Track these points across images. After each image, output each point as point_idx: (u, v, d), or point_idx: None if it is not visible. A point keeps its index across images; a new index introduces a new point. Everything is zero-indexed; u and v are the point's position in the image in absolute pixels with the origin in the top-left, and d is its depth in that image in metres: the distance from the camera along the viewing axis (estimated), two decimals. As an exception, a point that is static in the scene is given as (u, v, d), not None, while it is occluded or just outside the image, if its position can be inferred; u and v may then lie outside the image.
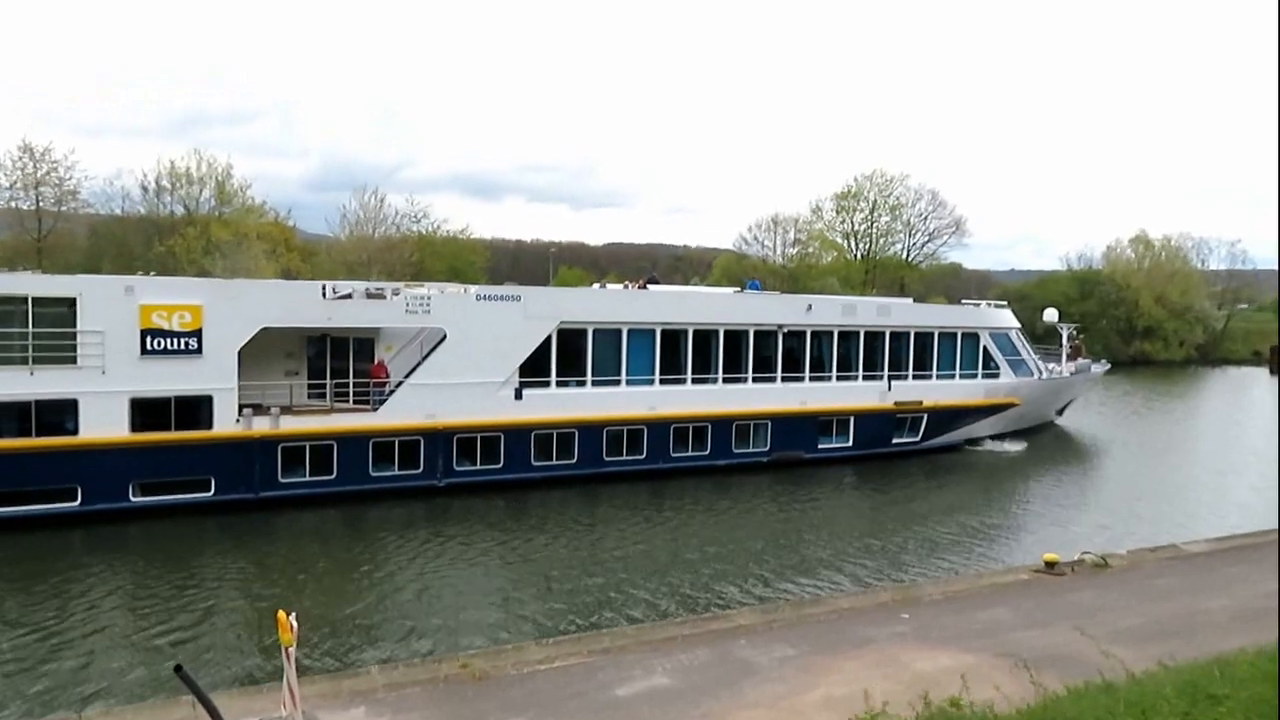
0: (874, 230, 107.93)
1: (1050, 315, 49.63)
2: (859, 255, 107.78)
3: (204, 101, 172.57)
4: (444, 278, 72.53)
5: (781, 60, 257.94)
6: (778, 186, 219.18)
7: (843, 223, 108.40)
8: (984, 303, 45.64)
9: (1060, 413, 48.64)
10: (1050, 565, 20.61)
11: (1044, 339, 54.65)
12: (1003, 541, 27.96)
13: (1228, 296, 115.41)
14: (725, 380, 35.64)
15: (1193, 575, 20.16)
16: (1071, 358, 47.99)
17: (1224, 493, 35.23)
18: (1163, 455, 43.90)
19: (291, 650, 10.76)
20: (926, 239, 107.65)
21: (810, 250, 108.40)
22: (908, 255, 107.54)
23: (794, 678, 14.00)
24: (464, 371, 31.07)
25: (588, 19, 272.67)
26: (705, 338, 35.31)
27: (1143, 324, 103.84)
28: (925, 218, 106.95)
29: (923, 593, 19.11)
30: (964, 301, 50.35)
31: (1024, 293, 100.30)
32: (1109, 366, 56.89)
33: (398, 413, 30.41)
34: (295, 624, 10.75)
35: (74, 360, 26.79)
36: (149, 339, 27.39)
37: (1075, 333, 50.73)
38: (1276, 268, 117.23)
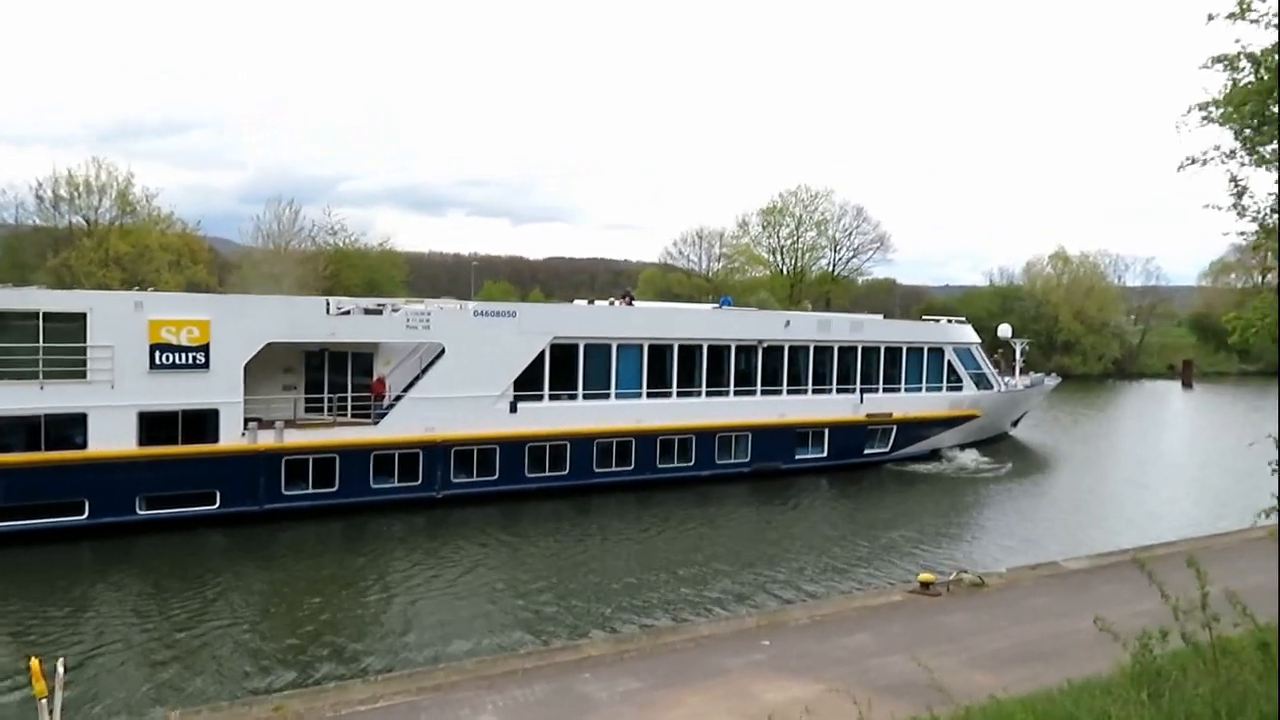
0: (799, 245, 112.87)
1: (1004, 331, 54.11)
2: (785, 270, 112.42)
3: (135, 111, 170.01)
4: (360, 291, 73.92)
5: (732, 74, 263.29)
6: (720, 200, 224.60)
7: (769, 238, 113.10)
8: (944, 319, 49.67)
9: (1015, 424, 53.03)
10: (925, 585, 20.90)
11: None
12: (933, 554, 29.18)
13: (1143, 312, 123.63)
14: (708, 394, 38.66)
15: (1068, 594, 20.55)
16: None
17: (1142, 505, 38.09)
18: (1087, 468, 46.97)
19: (46, 701, 10.26)
20: (852, 254, 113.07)
21: (736, 265, 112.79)
22: (833, 270, 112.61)
23: (631, 714, 13.94)
24: (461, 386, 33.30)
25: (533, 35, 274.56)
26: (689, 353, 38.27)
27: (1062, 338, 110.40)
28: (850, 233, 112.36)
29: (789, 617, 19.31)
30: (924, 317, 54.43)
31: (948, 308, 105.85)
32: (1060, 380, 61.70)
33: (397, 426, 32.46)
34: (62, 670, 10.41)
35: (84, 375, 28.21)
36: (158, 353, 28.95)
37: (1027, 347, 55.32)
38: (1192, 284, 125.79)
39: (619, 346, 36.61)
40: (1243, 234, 12.67)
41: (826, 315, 46.40)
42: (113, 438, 28.44)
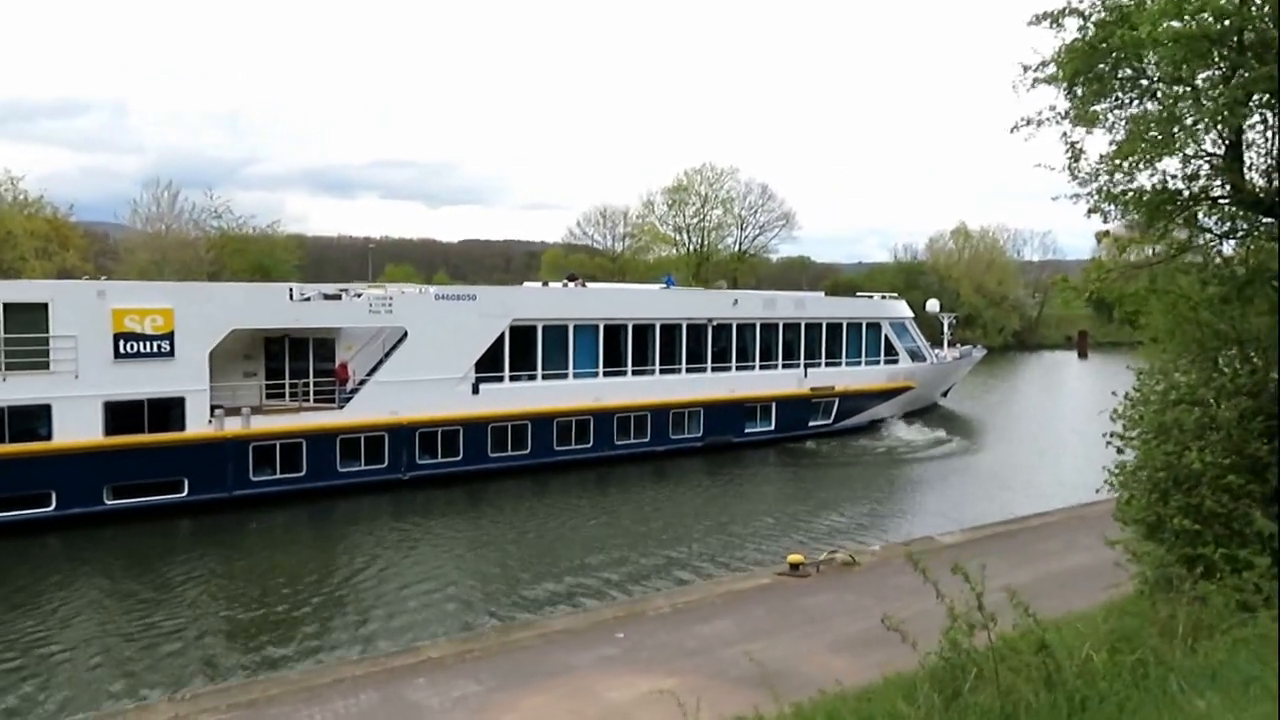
0: (705, 224, 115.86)
1: (932, 306, 57.82)
2: (691, 249, 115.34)
3: (27, 91, 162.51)
4: (248, 276, 73.74)
5: (647, 50, 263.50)
6: (632, 178, 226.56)
7: (675, 216, 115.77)
8: (877, 295, 53.05)
9: (945, 395, 56.78)
10: (795, 567, 20.99)
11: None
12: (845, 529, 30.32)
13: (1041, 285, 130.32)
14: (661, 371, 40.91)
15: (937, 570, 20.90)
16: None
17: (1050, 472, 39.94)
18: (1001, 437, 49.46)
19: None
20: (758, 232, 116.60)
21: (642, 243, 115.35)
22: (740, 248, 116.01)
23: (463, 722, 13.53)
24: (424, 368, 34.71)
25: (450, 12, 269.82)
26: (643, 332, 40.45)
27: (963, 312, 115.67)
28: (755, 211, 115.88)
29: (650, 606, 19.24)
30: (857, 294, 57.76)
31: (854, 283, 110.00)
32: (986, 352, 65.96)
33: (363, 410, 33.72)
34: None
35: (47, 365, 28.79)
36: (122, 342, 29.67)
37: (955, 321, 59.10)
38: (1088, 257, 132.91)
39: (575, 327, 38.49)
40: (1075, 197, 12.33)
41: (772, 293, 49.07)
42: (78, 428, 29.03)
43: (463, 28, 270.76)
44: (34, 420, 28.66)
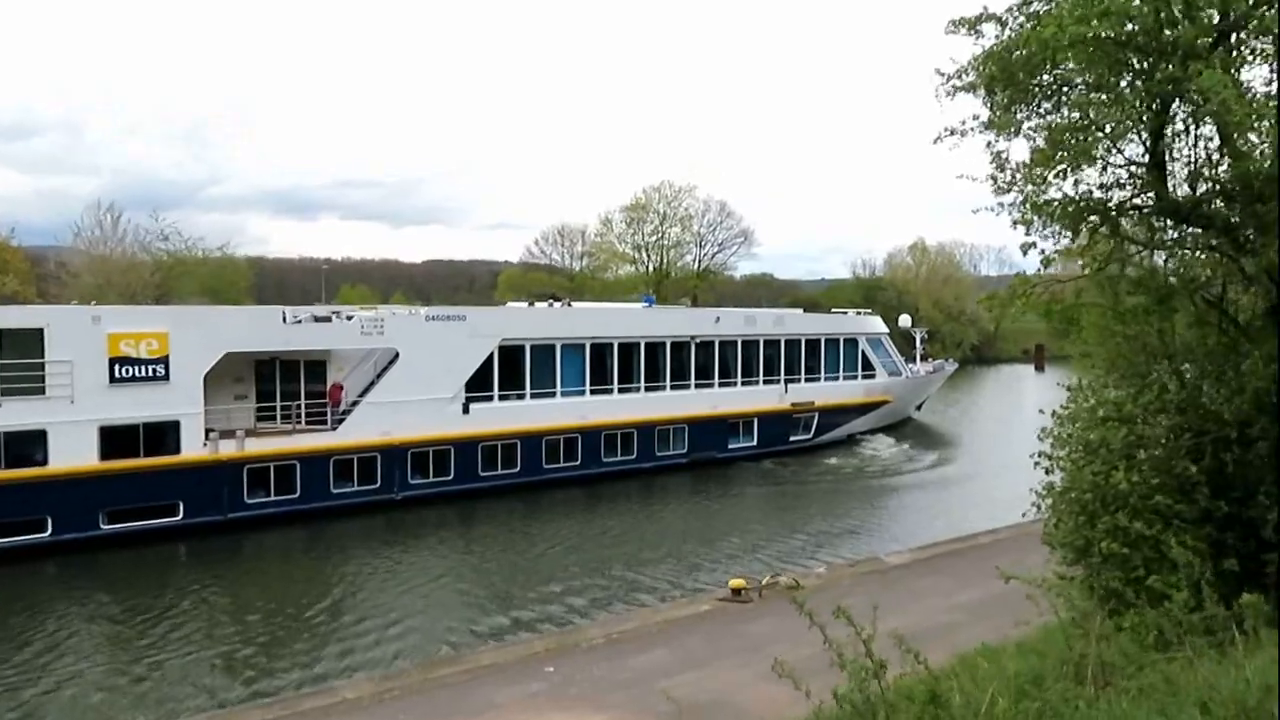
0: (664, 242, 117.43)
1: (905, 321, 59.69)
2: (651, 267, 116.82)
3: None
4: (197, 300, 73.91)
5: (614, 74, 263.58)
6: (593, 197, 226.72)
7: (633, 234, 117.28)
8: (852, 311, 54.75)
9: (919, 408, 58.56)
10: (736, 592, 21.05)
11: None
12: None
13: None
14: (646, 389, 42.10)
15: (883, 592, 19.42)
16: None
17: (1010, 487, 39.84)
18: (967, 451, 50.42)
19: None
20: (717, 249, 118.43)
21: (600, 262, 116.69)
22: (699, 266, 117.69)
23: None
24: (416, 389, 35.52)
25: (413, 32, 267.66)
26: (628, 350, 41.67)
27: (922, 327, 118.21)
28: (714, 228, 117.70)
29: (583, 637, 19.04)
30: (832, 310, 59.47)
31: (815, 300, 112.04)
32: (957, 366, 67.89)
33: (355, 431, 34.43)
34: None
35: (42, 391, 29.26)
36: (117, 367, 30.20)
37: (926, 336, 60.98)
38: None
39: (563, 346, 39.59)
40: (997, 208, 11.98)
41: (752, 311, 50.59)
42: (74, 453, 29.46)
43: (431, 46, 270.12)
44: (29, 445, 29.05)
